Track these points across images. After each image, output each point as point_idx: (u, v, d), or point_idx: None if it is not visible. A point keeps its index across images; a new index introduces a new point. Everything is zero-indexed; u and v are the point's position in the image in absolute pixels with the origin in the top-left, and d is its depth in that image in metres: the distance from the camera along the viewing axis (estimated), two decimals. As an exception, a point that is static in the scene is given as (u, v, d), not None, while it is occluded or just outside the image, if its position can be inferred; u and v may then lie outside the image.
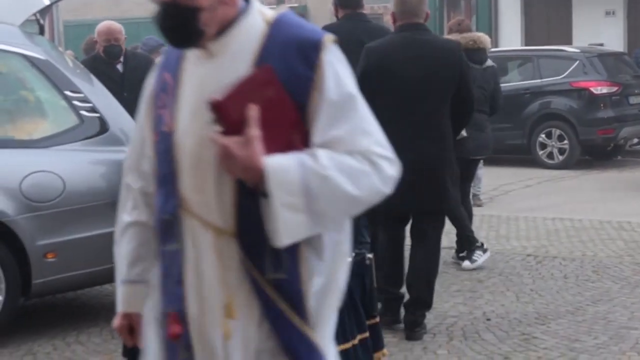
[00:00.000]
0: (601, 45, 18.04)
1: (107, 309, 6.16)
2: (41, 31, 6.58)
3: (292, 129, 2.19)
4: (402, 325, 5.64)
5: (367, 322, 4.20)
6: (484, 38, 7.52)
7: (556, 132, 13.70)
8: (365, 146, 2.20)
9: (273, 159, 2.13)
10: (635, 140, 15.27)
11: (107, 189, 5.68)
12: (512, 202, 10.68)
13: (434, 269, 5.67)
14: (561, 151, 13.69)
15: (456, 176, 5.61)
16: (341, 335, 4.03)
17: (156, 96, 2.38)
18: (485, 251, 7.33)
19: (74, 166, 5.81)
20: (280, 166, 2.13)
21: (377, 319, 4.31)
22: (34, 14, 6.47)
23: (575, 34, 20.70)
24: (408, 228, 5.79)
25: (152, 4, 2.26)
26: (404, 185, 5.10)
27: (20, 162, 5.71)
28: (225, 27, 2.24)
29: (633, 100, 13.91)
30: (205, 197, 2.24)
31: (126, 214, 2.49)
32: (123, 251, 2.50)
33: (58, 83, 5.93)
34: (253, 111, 2.12)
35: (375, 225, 5.98)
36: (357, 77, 5.59)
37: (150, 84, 2.44)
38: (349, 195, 2.17)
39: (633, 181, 12.14)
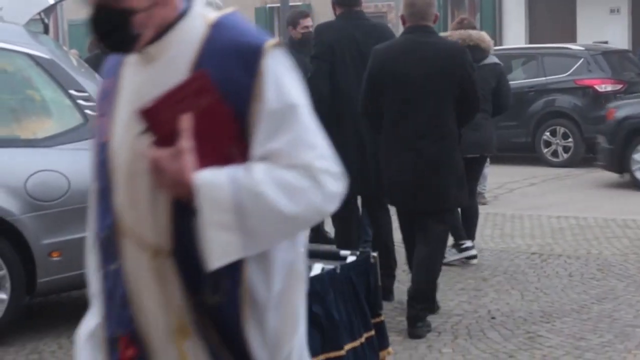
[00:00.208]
0: (605, 42, 18.00)
1: (112, 307, 6.16)
2: (46, 30, 6.59)
3: (230, 141, 2.01)
4: (405, 323, 5.65)
5: (372, 321, 4.21)
6: (480, 35, 7.25)
7: (561, 130, 13.69)
8: (307, 160, 2.00)
9: (204, 174, 1.95)
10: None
11: (112, 188, 5.68)
12: (517, 200, 10.66)
13: (434, 266, 5.67)
14: (566, 149, 13.67)
15: (462, 176, 5.62)
16: (349, 334, 4.05)
17: (98, 104, 2.25)
18: (462, 251, 7.29)
19: (79, 165, 5.79)
20: (211, 181, 1.95)
21: (382, 317, 4.32)
22: (39, 13, 6.49)
23: (580, 32, 20.66)
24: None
25: None
26: (406, 184, 5.15)
27: (25, 161, 5.72)
28: (163, 30, 2.07)
29: (637, 97, 13.90)
30: (139, 214, 2.08)
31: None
32: (93, 264, 2.44)
33: (63, 82, 5.94)
34: (185, 121, 1.95)
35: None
36: (364, 78, 5.67)
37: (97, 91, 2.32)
38: (283, 213, 1.97)
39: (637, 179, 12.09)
